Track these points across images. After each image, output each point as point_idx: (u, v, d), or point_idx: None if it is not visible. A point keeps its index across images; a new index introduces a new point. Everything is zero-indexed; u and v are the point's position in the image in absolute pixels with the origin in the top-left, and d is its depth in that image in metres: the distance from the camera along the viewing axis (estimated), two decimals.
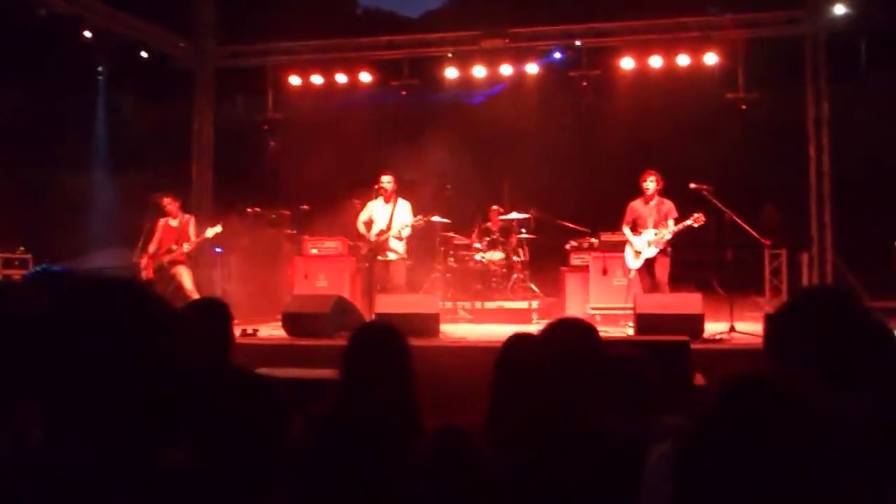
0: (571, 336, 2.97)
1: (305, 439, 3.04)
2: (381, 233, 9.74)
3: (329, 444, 2.97)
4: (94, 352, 1.30)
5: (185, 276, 10.04)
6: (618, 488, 2.36)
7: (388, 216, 9.79)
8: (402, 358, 3.08)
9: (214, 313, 3.48)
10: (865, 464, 1.18)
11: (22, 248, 10.49)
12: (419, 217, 9.80)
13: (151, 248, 10.13)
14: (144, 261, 10.03)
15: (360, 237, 10.07)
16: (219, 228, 10.17)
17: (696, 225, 9.01)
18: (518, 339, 3.10)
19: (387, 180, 9.80)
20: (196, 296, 9.56)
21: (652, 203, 9.42)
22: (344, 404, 3.03)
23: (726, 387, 1.24)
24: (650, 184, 9.36)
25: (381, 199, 9.88)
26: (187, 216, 10.35)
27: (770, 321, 2.15)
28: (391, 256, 9.78)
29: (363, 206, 10.10)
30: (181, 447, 1.40)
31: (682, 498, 1.21)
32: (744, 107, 11.81)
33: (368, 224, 9.90)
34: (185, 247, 10.05)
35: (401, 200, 9.89)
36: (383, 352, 3.06)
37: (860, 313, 2.06)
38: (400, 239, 9.77)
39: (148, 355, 1.33)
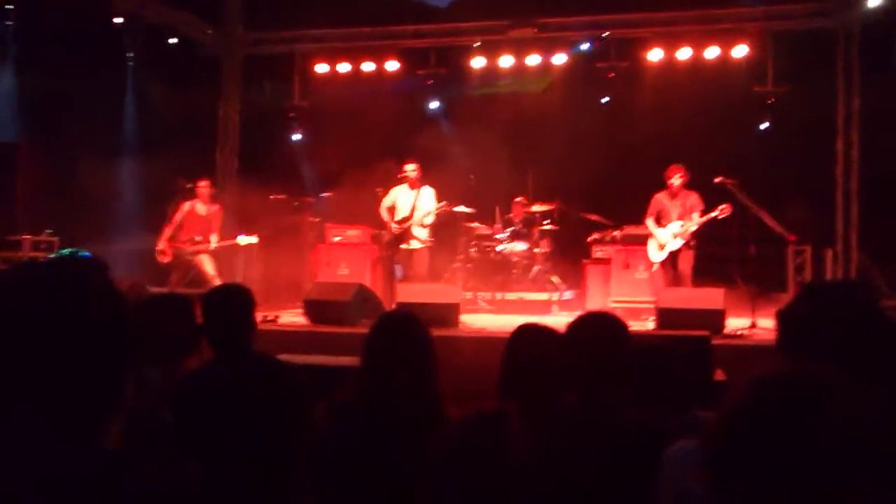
0: (601, 330, 2.98)
1: (327, 425, 3.07)
2: (404, 220, 9.75)
3: (350, 430, 3.00)
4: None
5: (208, 263, 10.09)
6: (639, 480, 2.37)
7: (412, 203, 9.81)
8: (423, 347, 3.10)
9: (237, 299, 3.52)
10: (887, 459, 1.19)
11: (49, 231, 10.62)
12: (442, 203, 9.79)
13: (169, 230, 10.14)
14: (162, 245, 10.06)
15: (383, 223, 10.08)
16: (254, 239, 10.16)
17: (721, 217, 8.96)
18: (527, 329, 3.12)
19: (411, 168, 9.82)
20: (218, 282, 9.63)
21: (677, 196, 9.38)
22: (365, 391, 3.06)
23: (756, 384, 1.24)
24: (677, 180, 9.33)
25: (405, 185, 9.90)
26: (216, 206, 10.39)
27: (780, 317, 2.14)
28: (414, 245, 9.80)
29: (387, 192, 10.12)
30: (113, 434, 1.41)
31: (716, 494, 1.22)
32: (772, 100, 11.70)
33: (391, 210, 9.91)
34: (213, 244, 10.07)
35: (425, 188, 9.90)
36: (405, 340, 3.08)
37: (870, 306, 2.04)
38: (423, 227, 9.78)
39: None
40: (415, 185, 9.86)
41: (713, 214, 9.00)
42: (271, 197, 12.18)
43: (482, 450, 2.02)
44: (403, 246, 9.79)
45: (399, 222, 9.75)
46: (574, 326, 3.00)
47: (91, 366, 1.34)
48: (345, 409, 3.08)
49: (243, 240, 10.11)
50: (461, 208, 10.66)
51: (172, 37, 12.51)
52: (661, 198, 9.50)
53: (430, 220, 9.79)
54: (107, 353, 1.36)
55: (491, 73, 12.85)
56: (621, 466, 2.59)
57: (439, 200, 9.90)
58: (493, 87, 13.15)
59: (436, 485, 2.04)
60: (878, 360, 1.90)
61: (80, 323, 1.34)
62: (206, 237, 10.10)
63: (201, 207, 10.26)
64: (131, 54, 12.16)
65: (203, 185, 10.31)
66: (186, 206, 10.25)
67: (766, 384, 1.24)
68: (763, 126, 11.75)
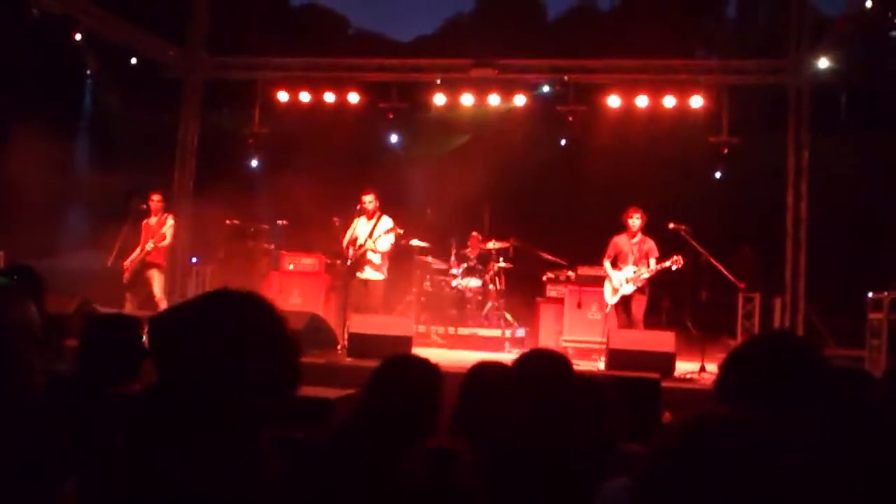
0: (545, 365, 3.00)
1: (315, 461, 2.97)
2: (360, 247, 9.71)
3: (340, 463, 2.90)
4: None
5: (157, 283, 10.01)
6: None
7: (369, 232, 9.78)
8: (429, 395, 3.02)
9: None
10: (813, 497, 1.20)
11: None
12: (396, 229, 9.72)
13: (137, 252, 10.12)
14: (127, 263, 10.03)
15: (343, 256, 9.97)
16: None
17: (674, 268, 9.09)
18: (483, 367, 3.13)
19: (368, 199, 9.79)
20: (164, 304, 9.48)
21: (634, 240, 9.50)
22: (360, 422, 2.96)
23: (682, 424, 1.25)
24: (636, 220, 9.44)
25: (363, 217, 9.87)
26: (166, 214, 10.38)
27: (724, 365, 2.21)
28: (370, 275, 9.73)
29: (344, 225, 10.05)
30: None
31: None
32: (726, 150, 11.95)
33: (353, 241, 9.87)
34: (149, 245, 10.02)
35: (384, 217, 9.88)
36: (417, 387, 3.00)
37: (810, 353, 2.09)
38: (376, 252, 9.71)
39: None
40: (372, 215, 9.83)
41: (666, 264, 9.12)
42: (227, 222, 12.08)
43: (431, 487, 1.99)
44: (359, 275, 9.71)
45: (355, 249, 9.70)
46: (519, 363, 3.03)
47: None
48: (334, 439, 2.99)
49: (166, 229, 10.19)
50: (416, 242, 10.65)
51: (134, 56, 12.41)
52: (619, 241, 9.60)
53: (383, 244, 9.69)
54: None
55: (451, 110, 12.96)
56: (564, 498, 2.59)
57: (395, 230, 9.83)
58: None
59: None
60: (807, 402, 1.95)
61: None
62: (156, 242, 10.10)
63: (153, 220, 10.30)
64: (90, 71, 12.02)
65: (156, 200, 10.35)
66: (143, 222, 10.28)
67: (696, 426, 1.25)
68: (717, 175, 11.99)
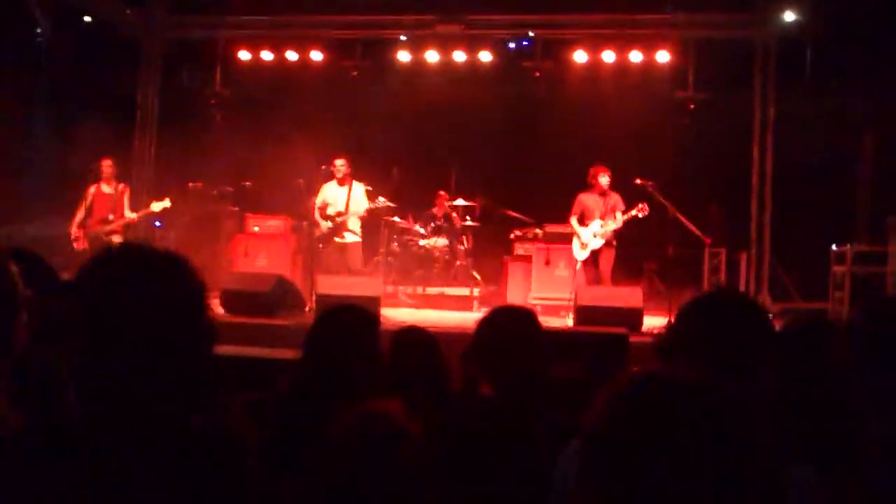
0: (513, 324, 2.97)
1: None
2: (339, 214, 9.62)
3: (284, 424, 2.85)
4: None
5: None
6: (539, 477, 2.34)
7: (345, 199, 9.69)
8: (371, 343, 2.98)
9: None
10: (760, 451, 1.19)
11: None
12: (382, 200, 9.71)
13: (80, 215, 9.73)
14: (75, 231, 9.66)
15: (314, 223, 9.86)
16: (167, 203, 9.86)
17: (640, 215, 9.11)
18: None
19: (340, 164, 9.72)
20: None
21: (600, 195, 9.49)
22: (304, 384, 2.92)
23: (620, 384, 1.24)
24: (604, 178, 9.42)
25: (334, 182, 9.77)
26: (122, 185, 10.02)
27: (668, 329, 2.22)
28: (349, 239, 9.68)
29: (311, 189, 9.90)
30: None
31: (584, 494, 1.21)
32: (692, 106, 11.96)
33: (323, 208, 9.78)
34: (128, 215, 9.74)
35: (355, 183, 9.80)
36: (353, 335, 2.95)
37: (748, 313, 2.09)
38: (360, 218, 9.69)
39: None
40: (344, 181, 9.73)
41: (633, 213, 9.14)
42: (190, 185, 11.89)
43: (380, 442, 1.94)
44: (337, 239, 9.65)
45: (333, 217, 9.61)
46: (486, 320, 3.00)
47: None
48: (278, 403, 2.94)
49: (157, 206, 9.80)
50: (383, 200, 10.58)
51: (88, 15, 12.05)
52: (584, 198, 9.60)
53: (361, 209, 9.69)
54: None
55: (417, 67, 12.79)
56: (525, 462, 2.57)
57: (369, 196, 9.79)
58: None
59: (335, 475, 1.95)
60: (752, 360, 1.95)
61: None
62: (119, 214, 9.76)
63: (107, 187, 9.84)
64: (41, 30, 11.66)
65: (107, 164, 9.86)
66: (92, 189, 9.80)
67: (632, 385, 1.23)
68: (683, 131, 11.99)
